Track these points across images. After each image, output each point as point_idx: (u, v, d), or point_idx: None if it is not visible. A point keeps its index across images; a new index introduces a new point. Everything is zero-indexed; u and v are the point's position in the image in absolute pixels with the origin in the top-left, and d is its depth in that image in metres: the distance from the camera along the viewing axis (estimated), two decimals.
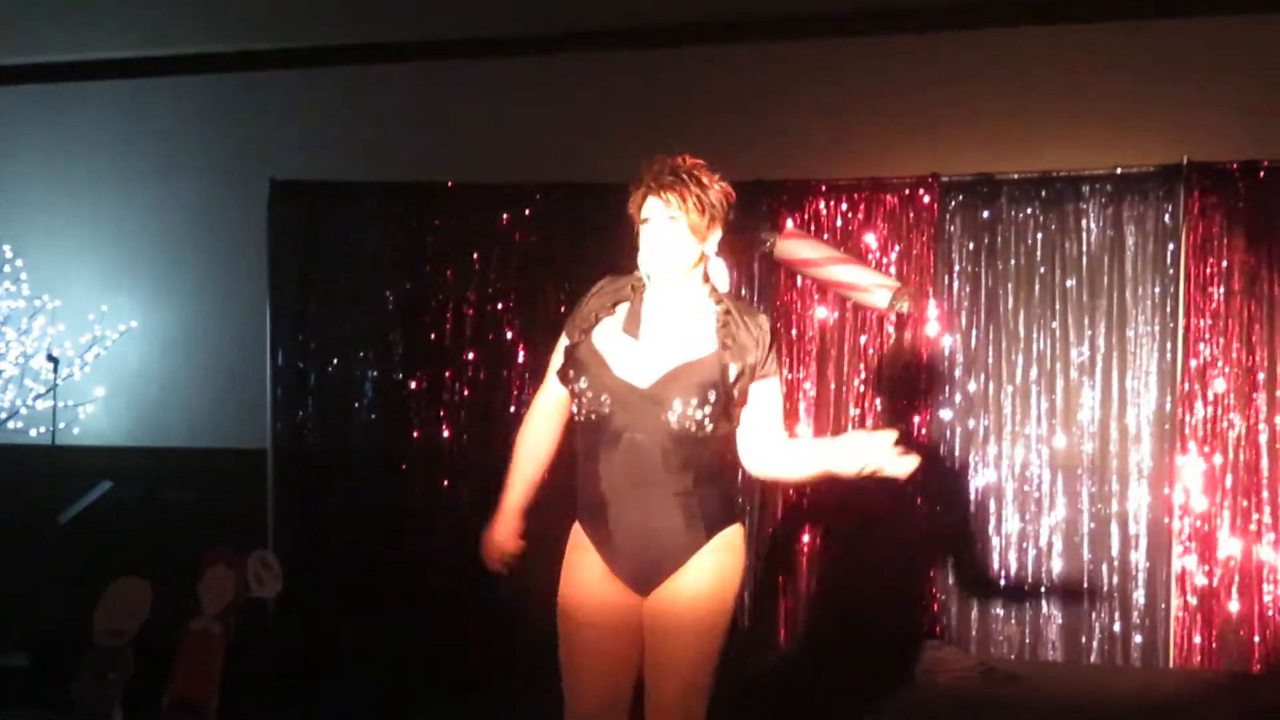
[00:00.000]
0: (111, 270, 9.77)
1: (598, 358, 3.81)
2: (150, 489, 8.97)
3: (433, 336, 8.52)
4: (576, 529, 3.95)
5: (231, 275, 9.27)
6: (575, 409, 3.85)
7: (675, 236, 3.77)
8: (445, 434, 8.47)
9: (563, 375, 3.89)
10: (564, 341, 3.94)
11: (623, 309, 3.87)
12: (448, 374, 8.49)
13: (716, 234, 3.83)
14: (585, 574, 3.89)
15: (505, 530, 4.09)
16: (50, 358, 9.39)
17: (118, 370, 9.70)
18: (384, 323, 8.60)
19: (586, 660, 3.89)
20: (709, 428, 3.74)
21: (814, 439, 3.86)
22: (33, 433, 9.57)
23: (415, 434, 8.51)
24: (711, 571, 3.82)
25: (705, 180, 3.79)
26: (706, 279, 3.87)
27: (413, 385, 8.51)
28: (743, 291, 8.08)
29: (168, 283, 9.71)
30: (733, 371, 3.77)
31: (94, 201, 9.91)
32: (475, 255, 8.51)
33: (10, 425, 9.64)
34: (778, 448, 3.88)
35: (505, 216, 8.49)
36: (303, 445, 8.62)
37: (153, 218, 9.76)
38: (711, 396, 3.73)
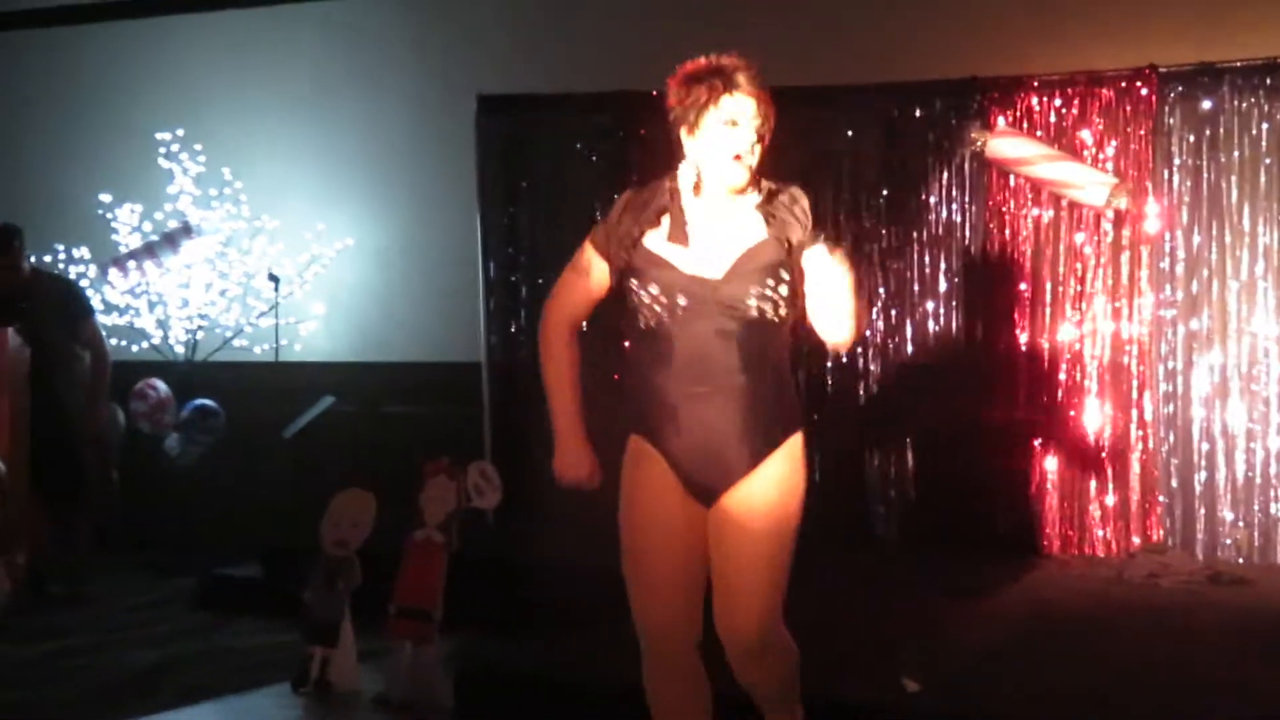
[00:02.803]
0: (326, 189, 9.96)
1: (659, 260, 3.76)
2: (371, 403, 9.18)
3: None
4: (635, 443, 3.91)
5: (442, 190, 9.39)
6: (641, 318, 3.79)
7: (758, 141, 3.73)
8: None
9: (619, 287, 3.86)
10: (596, 259, 3.92)
11: (664, 220, 3.81)
12: None
13: None
14: (650, 487, 3.86)
15: (576, 453, 4.06)
16: (271, 277, 9.62)
17: (336, 287, 9.91)
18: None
19: (657, 577, 3.86)
20: (783, 311, 3.74)
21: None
22: (257, 350, 9.84)
23: (626, 344, 8.53)
24: (778, 480, 3.80)
25: None
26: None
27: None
28: (953, 193, 7.96)
29: (381, 200, 9.88)
30: (791, 243, 3.74)
31: (306, 122, 10.11)
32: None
33: (235, 343, 9.92)
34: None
35: None
36: (516, 358, 8.70)
37: (363, 136, 9.92)
38: (784, 275, 3.72)
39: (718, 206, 3.78)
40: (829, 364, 8.12)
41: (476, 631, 6.56)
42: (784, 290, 3.72)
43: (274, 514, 8.24)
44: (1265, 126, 7.54)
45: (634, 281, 3.79)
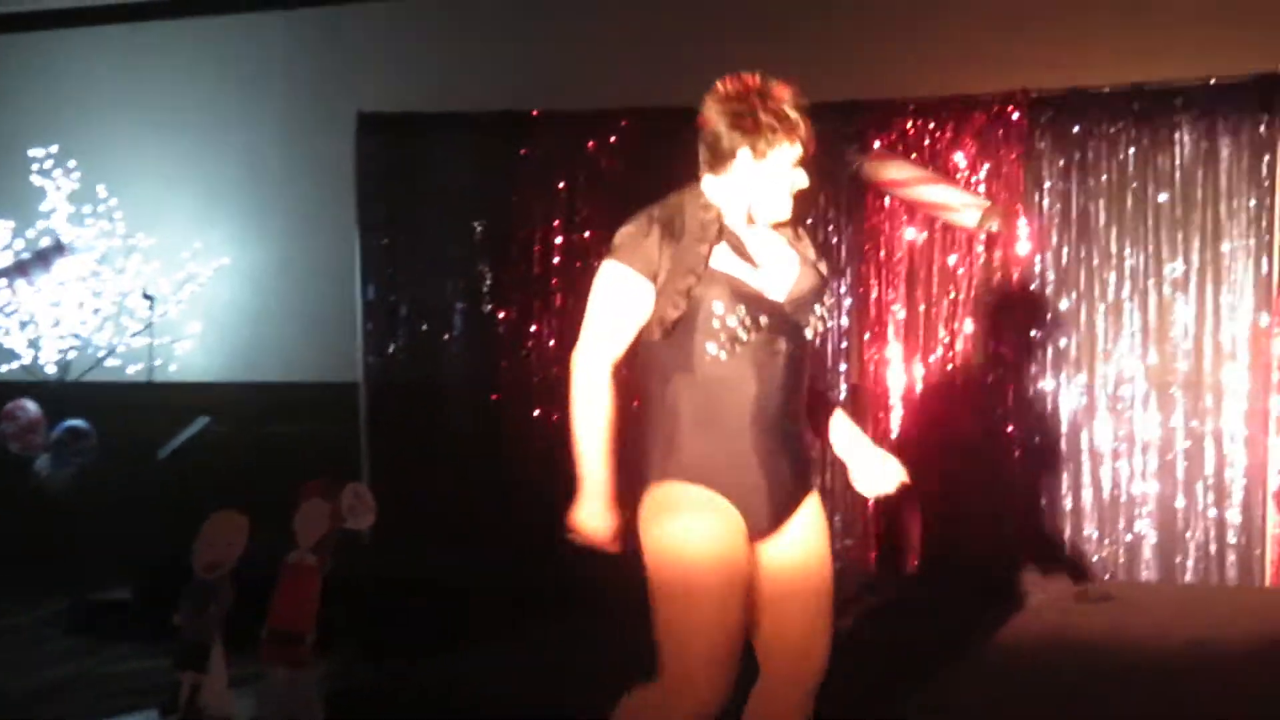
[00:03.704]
0: (203, 208, 9.87)
1: (735, 281, 3.51)
2: (246, 424, 9.09)
3: (521, 266, 8.54)
4: (692, 490, 3.55)
5: (321, 209, 9.33)
6: (713, 343, 3.48)
7: (800, 182, 3.64)
8: (534, 363, 8.51)
9: (695, 311, 3.48)
10: (643, 284, 3.54)
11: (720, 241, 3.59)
12: (536, 304, 8.52)
13: None
14: (718, 537, 3.51)
15: (603, 509, 3.66)
16: (146, 295, 9.51)
17: (212, 307, 9.81)
18: (472, 254, 8.63)
19: (725, 635, 3.52)
20: (818, 339, 3.69)
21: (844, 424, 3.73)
22: (130, 370, 9.72)
23: (504, 364, 8.55)
24: (818, 512, 3.70)
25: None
26: None
27: (501, 315, 8.55)
28: (830, 213, 8.05)
29: (259, 219, 9.80)
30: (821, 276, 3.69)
31: (184, 140, 10.00)
32: (562, 184, 8.51)
33: (109, 363, 9.79)
34: (819, 400, 3.82)
35: (591, 144, 8.48)
36: (394, 378, 8.70)
37: (242, 155, 9.84)
38: (829, 301, 3.69)
39: (754, 230, 3.66)
40: None
41: (352, 655, 6.50)
42: (824, 313, 3.66)
43: (147, 536, 8.12)
44: (1132, 151, 7.72)
45: (717, 304, 3.48)
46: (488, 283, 8.61)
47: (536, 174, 8.55)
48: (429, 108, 8.70)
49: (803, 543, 3.64)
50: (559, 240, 8.51)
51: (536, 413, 8.48)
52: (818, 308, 3.63)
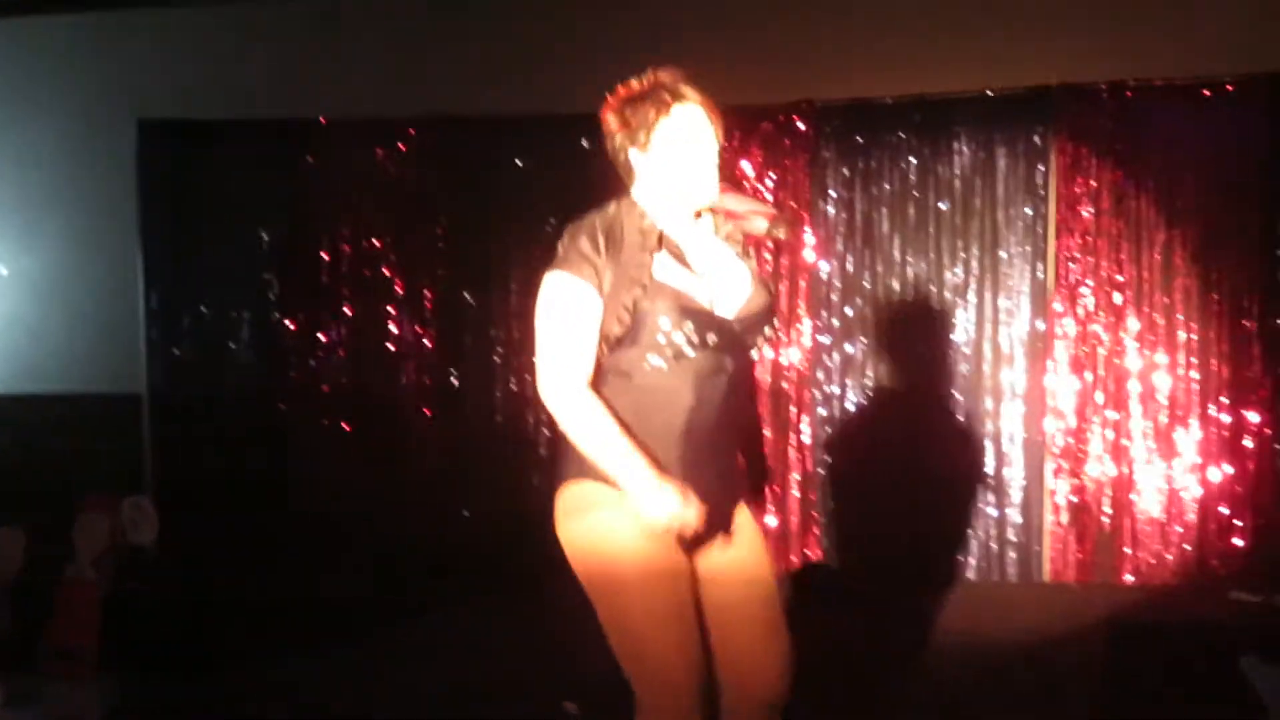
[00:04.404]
0: None
1: (678, 293, 3.45)
2: (24, 436, 8.82)
3: (308, 275, 8.43)
4: (589, 487, 3.49)
5: (101, 219, 9.07)
6: (654, 354, 3.43)
7: (714, 153, 3.56)
8: (323, 372, 8.41)
9: (640, 325, 3.42)
10: (592, 295, 3.43)
11: (659, 249, 3.52)
12: (324, 312, 8.42)
13: None
14: (622, 526, 3.45)
15: (668, 492, 3.36)
16: None
17: None
18: (259, 263, 8.50)
19: (679, 636, 3.48)
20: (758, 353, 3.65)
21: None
22: None
23: (292, 375, 8.44)
24: (755, 523, 3.70)
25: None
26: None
27: (289, 324, 8.43)
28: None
29: (35, 229, 9.48)
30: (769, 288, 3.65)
31: None
32: (350, 192, 8.42)
33: None
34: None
35: (379, 152, 8.41)
36: (179, 389, 8.52)
37: (16, 163, 9.52)
38: (774, 321, 3.66)
39: (700, 239, 3.60)
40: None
41: (132, 671, 6.35)
42: (770, 331, 3.62)
43: None
44: (914, 161, 7.89)
45: (664, 320, 3.41)
46: (274, 292, 8.48)
47: (324, 182, 8.45)
48: (212, 115, 8.54)
49: (738, 556, 3.62)
50: (347, 249, 8.42)
51: (325, 422, 8.38)
52: (767, 329, 3.60)
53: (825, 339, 7.98)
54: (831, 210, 7.99)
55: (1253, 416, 7.52)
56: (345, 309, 8.41)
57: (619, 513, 3.44)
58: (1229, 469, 7.56)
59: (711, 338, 3.44)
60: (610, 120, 3.57)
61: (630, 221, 3.51)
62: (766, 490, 3.78)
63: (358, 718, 5.59)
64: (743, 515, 3.65)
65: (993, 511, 7.80)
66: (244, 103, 8.59)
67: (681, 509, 3.33)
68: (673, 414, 3.47)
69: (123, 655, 6.09)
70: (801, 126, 7.95)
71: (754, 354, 3.62)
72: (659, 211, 3.55)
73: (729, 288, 3.57)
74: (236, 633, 6.84)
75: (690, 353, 3.42)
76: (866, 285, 7.96)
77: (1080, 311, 7.64)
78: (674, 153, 3.52)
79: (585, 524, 3.51)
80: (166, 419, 8.51)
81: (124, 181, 8.54)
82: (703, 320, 3.44)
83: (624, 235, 3.48)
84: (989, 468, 7.80)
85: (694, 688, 3.48)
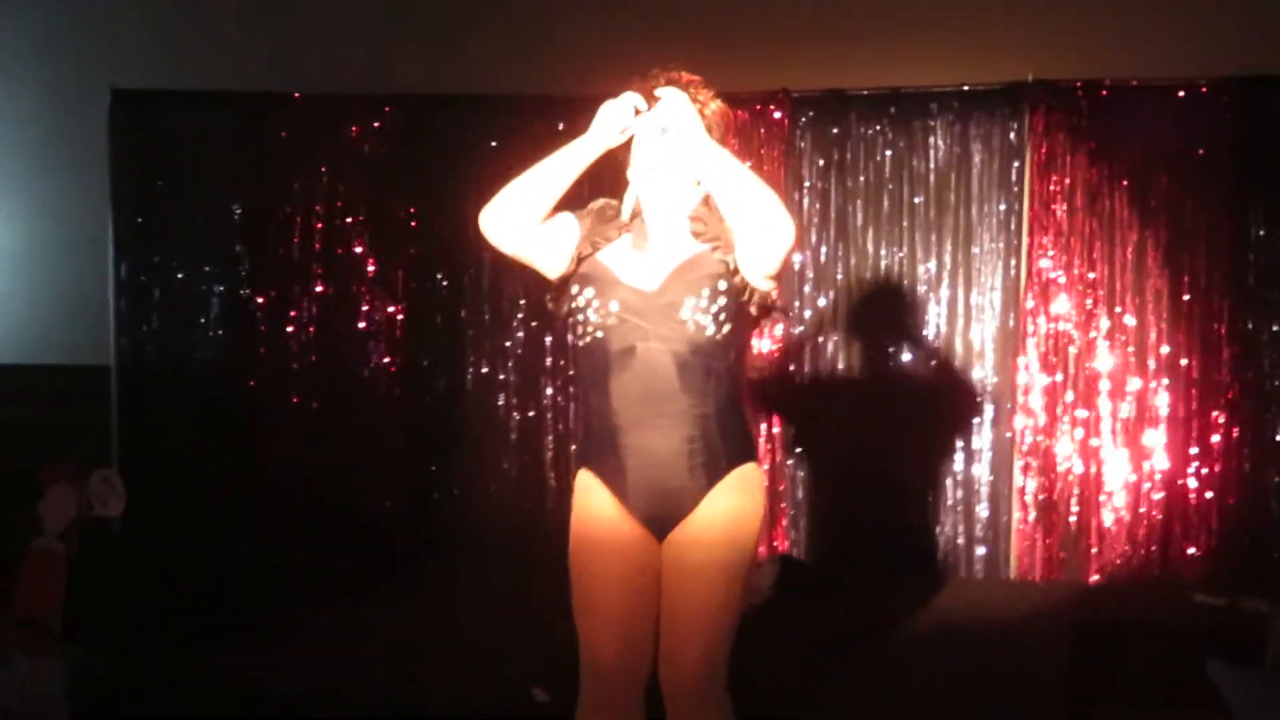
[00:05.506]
0: None
1: (603, 270, 3.64)
2: None
3: (280, 250, 8.39)
4: (584, 475, 3.73)
5: (72, 188, 9.01)
6: (580, 332, 3.63)
7: (683, 141, 3.64)
8: (293, 349, 8.38)
9: (561, 293, 3.70)
10: (571, 224, 3.72)
11: (622, 238, 3.73)
12: (295, 288, 8.39)
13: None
14: (598, 517, 3.67)
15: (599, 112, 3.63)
16: None
17: None
18: (230, 236, 8.45)
19: (606, 611, 3.66)
20: (725, 329, 3.58)
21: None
22: None
23: (262, 350, 8.40)
24: (728, 514, 3.63)
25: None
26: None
27: (260, 300, 8.40)
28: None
29: (5, 199, 9.44)
30: (730, 263, 3.62)
31: None
32: (323, 168, 8.38)
33: None
34: None
35: (354, 129, 8.38)
36: (148, 361, 8.47)
37: None
38: (722, 286, 3.58)
39: (657, 220, 3.70)
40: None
41: (98, 644, 6.34)
42: (722, 305, 3.57)
43: None
44: (889, 153, 7.90)
45: (575, 288, 3.65)
46: (246, 266, 8.44)
47: (297, 157, 8.41)
48: (188, 85, 8.49)
49: (694, 539, 3.63)
50: (319, 225, 8.39)
51: (295, 399, 8.36)
52: (704, 293, 3.57)
53: (796, 329, 7.98)
54: (806, 201, 7.98)
55: (1221, 418, 7.56)
56: (317, 286, 8.37)
57: (586, 495, 3.70)
58: (1198, 470, 7.59)
59: (616, 310, 3.59)
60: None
61: (628, 203, 3.74)
62: (757, 480, 3.73)
63: (324, 689, 5.59)
64: (717, 498, 3.63)
65: (960, 507, 7.81)
66: (219, 74, 8.53)
67: (617, 103, 3.63)
68: (598, 398, 3.64)
69: (88, 627, 6.08)
70: (777, 115, 7.94)
71: (698, 327, 3.57)
72: (644, 194, 3.72)
73: (660, 263, 3.66)
74: (203, 605, 6.84)
75: (598, 333, 3.60)
76: (839, 277, 7.96)
77: (1052, 309, 7.66)
78: (641, 149, 3.70)
79: (573, 510, 3.74)
80: (134, 391, 8.45)
81: (96, 151, 8.46)
82: (612, 291, 3.61)
83: (610, 220, 3.75)
84: (958, 463, 7.82)
85: (617, 672, 3.66)
